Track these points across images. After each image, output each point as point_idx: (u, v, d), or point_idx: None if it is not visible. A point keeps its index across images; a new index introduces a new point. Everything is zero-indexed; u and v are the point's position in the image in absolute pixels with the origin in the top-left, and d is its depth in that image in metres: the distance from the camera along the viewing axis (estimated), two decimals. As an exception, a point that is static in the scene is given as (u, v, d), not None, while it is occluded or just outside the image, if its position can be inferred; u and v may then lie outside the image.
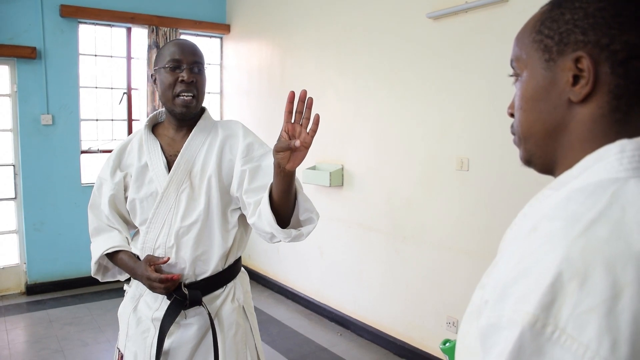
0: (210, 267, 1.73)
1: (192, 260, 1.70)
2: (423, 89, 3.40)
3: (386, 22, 3.65)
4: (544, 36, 0.71)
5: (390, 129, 3.68)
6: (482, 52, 2.98)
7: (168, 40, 5.12)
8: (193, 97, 1.69)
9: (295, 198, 1.55)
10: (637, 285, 0.52)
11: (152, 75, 1.76)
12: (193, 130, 1.75)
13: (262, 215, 1.55)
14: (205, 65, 1.76)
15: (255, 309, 2.03)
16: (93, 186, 1.90)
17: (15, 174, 4.87)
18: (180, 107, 1.69)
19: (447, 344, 0.98)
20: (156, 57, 1.75)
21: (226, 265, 1.77)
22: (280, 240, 1.58)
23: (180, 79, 1.66)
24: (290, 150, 1.38)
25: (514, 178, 2.80)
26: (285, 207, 1.53)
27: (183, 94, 1.67)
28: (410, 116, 3.50)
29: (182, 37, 5.46)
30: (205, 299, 1.72)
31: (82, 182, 5.06)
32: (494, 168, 2.95)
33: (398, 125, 3.61)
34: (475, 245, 3.10)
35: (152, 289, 1.68)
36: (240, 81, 5.56)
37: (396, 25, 3.57)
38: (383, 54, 3.69)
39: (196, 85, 1.69)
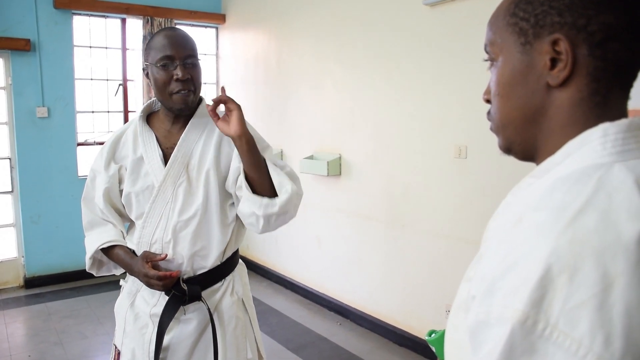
0: (209, 262, 1.71)
1: (190, 256, 1.68)
2: (420, 77, 3.38)
3: (382, 9, 3.62)
4: (519, 19, 0.69)
5: (387, 117, 3.66)
6: (479, 39, 2.94)
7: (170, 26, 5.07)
8: (190, 91, 1.64)
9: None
10: (628, 276, 0.51)
11: (144, 69, 1.70)
12: (190, 123, 1.71)
13: (242, 190, 1.59)
14: (199, 55, 1.71)
15: (254, 299, 2.02)
16: (87, 178, 1.86)
17: (11, 167, 4.85)
18: (179, 104, 1.64)
19: (433, 335, 0.96)
20: (146, 49, 1.68)
21: (224, 259, 1.75)
22: (264, 223, 1.59)
23: (175, 77, 1.60)
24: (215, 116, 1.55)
25: (512, 165, 2.78)
26: (259, 182, 1.58)
27: (180, 92, 1.62)
28: (408, 104, 3.48)
29: (177, 27, 5.41)
30: (204, 293, 1.70)
31: (79, 174, 5.03)
32: (492, 155, 2.94)
33: (396, 113, 3.59)
34: (473, 233, 3.10)
35: (150, 286, 1.64)
36: (237, 71, 5.53)
37: (393, 13, 3.54)
38: (380, 42, 3.67)
39: (192, 81, 1.64)
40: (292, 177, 1.63)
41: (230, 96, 1.55)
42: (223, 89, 1.60)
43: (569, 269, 0.52)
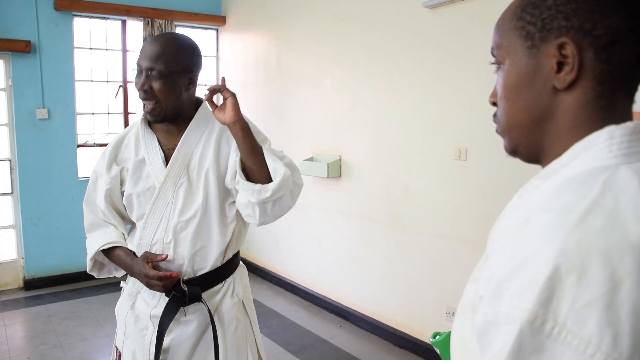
0: (209, 262, 1.71)
1: (191, 256, 1.68)
2: (420, 79, 3.38)
3: (382, 11, 3.62)
4: (526, 22, 0.70)
5: (387, 118, 3.66)
6: (479, 41, 2.96)
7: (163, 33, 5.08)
8: (151, 102, 1.62)
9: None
10: (636, 275, 0.51)
11: None
12: (190, 124, 1.72)
13: (238, 180, 1.59)
14: (171, 67, 1.61)
15: (254, 301, 2.01)
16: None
17: (11, 169, 4.85)
18: (148, 114, 1.66)
19: (438, 337, 0.96)
20: None
21: (225, 260, 1.75)
22: (260, 212, 1.59)
23: (136, 85, 1.63)
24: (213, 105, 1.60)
25: (512, 166, 2.79)
26: (257, 171, 1.58)
27: (143, 101, 1.65)
28: (408, 106, 3.48)
29: (178, 29, 5.42)
30: (204, 294, 1.70)
31: (79, 176, 5.03)
32: (492, 157, 2.94)
33: (396, 115, 3.59)
34: (473, 234, 3.09)
35: (150, 286, 1.65)
36: (237, 73, 5.53)
37: (393, 15, 3.54)
38: (380, 43, 3.67)
39: (152, 93, 1.61)
40: (291, 167, 1.63)
41: (227, 86, 1.60)
42: (223, 80, 1.67)
43: (577, 269, 0.53)
